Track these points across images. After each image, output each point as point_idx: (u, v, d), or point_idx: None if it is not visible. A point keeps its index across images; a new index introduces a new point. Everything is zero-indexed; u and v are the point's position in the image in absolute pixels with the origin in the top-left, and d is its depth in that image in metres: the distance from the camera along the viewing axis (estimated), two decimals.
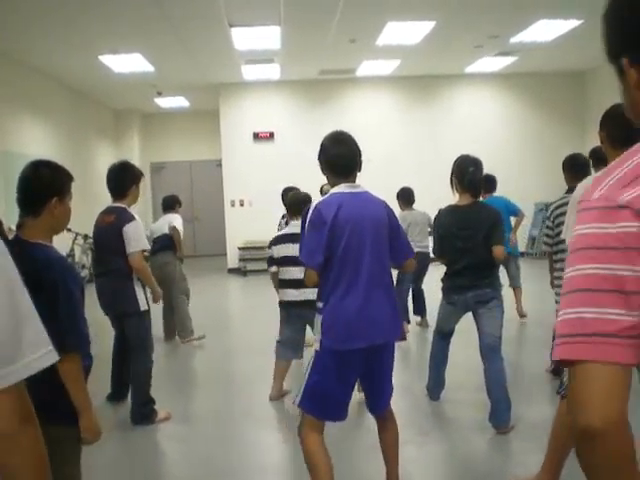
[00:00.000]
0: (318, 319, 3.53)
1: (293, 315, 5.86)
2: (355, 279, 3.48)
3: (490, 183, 8.61)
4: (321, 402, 3.53)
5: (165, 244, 7.99)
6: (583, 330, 1.07)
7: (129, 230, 5.36)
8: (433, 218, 5.48)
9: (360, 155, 3.74)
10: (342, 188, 3.65)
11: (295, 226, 5.69)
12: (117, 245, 5.36)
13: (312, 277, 3.52)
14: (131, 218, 5.42)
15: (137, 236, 5.42)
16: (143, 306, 5.48)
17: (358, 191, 3.68)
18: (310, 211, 3.55)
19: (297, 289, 5.69)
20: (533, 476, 4.00)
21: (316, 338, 3.55)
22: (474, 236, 4.97)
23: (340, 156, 3.68)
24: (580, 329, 1.07)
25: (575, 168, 5.75)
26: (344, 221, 3.48)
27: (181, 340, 8.19)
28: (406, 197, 8.42)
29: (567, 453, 3.81)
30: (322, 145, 3.78)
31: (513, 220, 8.89)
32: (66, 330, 2.69)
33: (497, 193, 8.85)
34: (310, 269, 3.49)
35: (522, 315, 8.90)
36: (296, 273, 5.66)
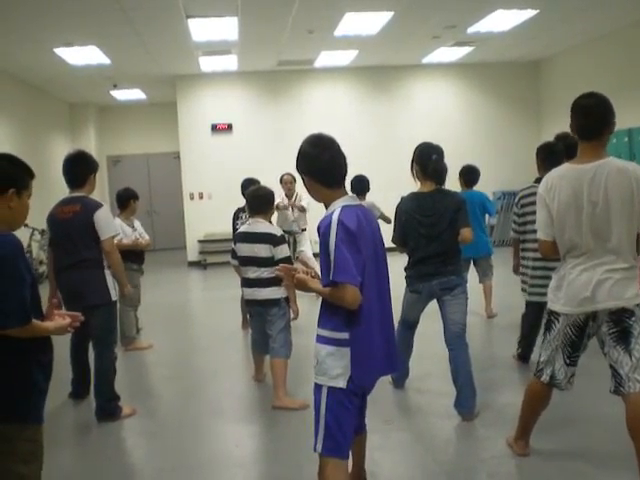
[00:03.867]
0: (333, 351, 3.13)
1: (253, 313, 5.91)
2: (380, 304, 3.21)
3: (471, 175, 8.15)
4: (343, 439, 3.18)
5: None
6: None
7: (100, 216, 5.32)
8: (395, 207, 5.31)
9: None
10: (347, 200, 3.20)
11: (254, 224, 5.65)
12: (88, 234, 5.30)
13: (357, 296, 3.03)
14: (99, 204, 5.39)
15: (109, 221, 5.44)
16: (114, 296, 5.46)
17: (359, 203, 3.29)
18: (334, 227, 3.04)
19: (251, 288, 5.70)
20: (512, 438, 4.39)
21: (321, 372, 3.17)
22: (439, 223, 4.98)
23: (332, 162, 3.22)
24: None
25: (551, 157, 5.69)
26: (365, 238, 3.12)
27: (124, 347, 7.66)
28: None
29: (536, 420, 4.22)
30: (304, 153, 3.27)
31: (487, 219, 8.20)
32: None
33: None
34: (353, 287, 3.00)
35: (491, 316, 8.27)
36: (249, 273, 5.66)
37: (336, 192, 3.23)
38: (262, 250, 5.51)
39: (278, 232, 5.67)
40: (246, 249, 5.64)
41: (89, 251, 5.32)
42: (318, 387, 3.20)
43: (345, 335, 3.10)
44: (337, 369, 3.11)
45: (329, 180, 3.22)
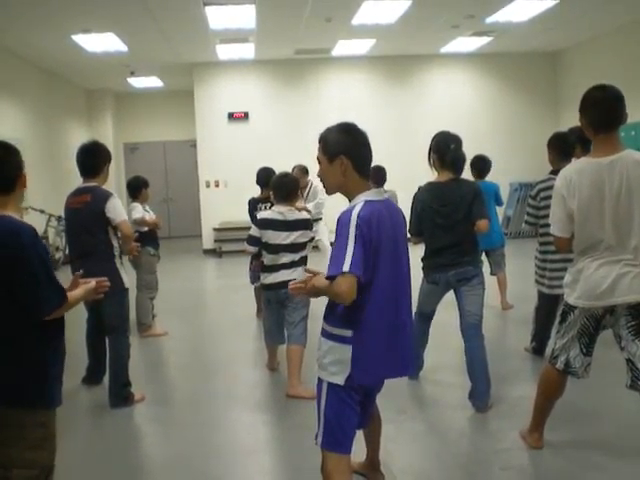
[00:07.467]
0: (334, 347, 3.04)
1: (272, 300, 5.82)
2: (395, 305, 3.09)
3: (483, 166, 8.08)
4: (342, 435, 3.10)
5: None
6: None
7: (111, 203, 5.34)
8: (412, 197, 5.25)
9: None
10: (371, 195, 3.07)
11: (291, 212, 5.65)
12: (97, 224, 5.34)
13: (353, 288, 2.83)
14: (110, 193, 5.41)
15: (120, 208, 5.45)
16: (126, 283, 5.51)
17: (384, 198, 3.17)
18: (353, 222, 2.90)
19: (278, 272, 5.63)
20: (526, 430, 4.36)
21: (322, 366, 3.10)
22: (455, 213, 4.93)
23: (367, 149, 3.11)
24: None
25: (563, 148, 5.67)
26: (385, 236, 2.99)
27: (139, 334, 7.71)
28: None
29: (550, 410, 4.20)
30: (333, 140, 3.10)
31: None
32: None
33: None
34: (351, 277, 2.82)
35: (506, 308, 8.20)
36: (282, 259, 5.62)
37: (362, 182, 3.10)
38: (302, 236, 5.65)
39: (308, 216, 5.95)
40: (283, 236, 5.58)
41: (98, 241, 5.36)
42: (320, 381, 3.14)
43: (348, 333, 3.00)
44: (337, 365, 3.02)
45: (363, 166, 3.09)
